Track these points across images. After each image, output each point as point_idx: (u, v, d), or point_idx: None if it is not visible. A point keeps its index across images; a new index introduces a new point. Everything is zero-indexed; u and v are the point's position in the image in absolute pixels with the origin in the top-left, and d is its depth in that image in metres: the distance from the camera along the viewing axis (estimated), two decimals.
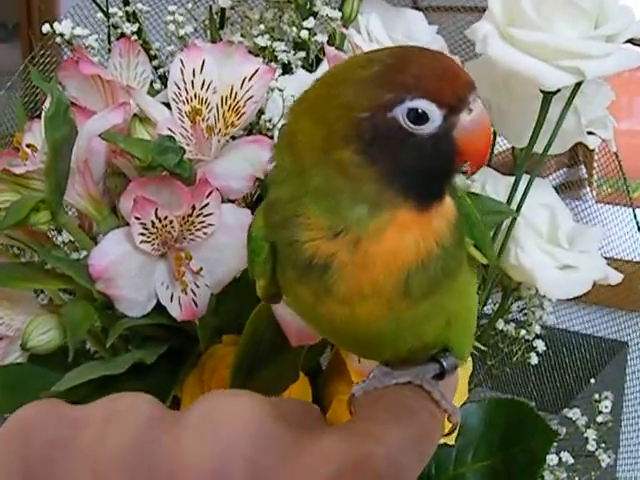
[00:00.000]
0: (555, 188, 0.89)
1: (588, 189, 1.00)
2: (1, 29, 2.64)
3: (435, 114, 0.30)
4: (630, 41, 0.50)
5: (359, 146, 0.30)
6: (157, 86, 0.63)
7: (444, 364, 0.36)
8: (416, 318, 0.33)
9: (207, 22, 0.62)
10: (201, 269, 0.48)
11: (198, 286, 0.48)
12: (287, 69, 0.59)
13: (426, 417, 0.33)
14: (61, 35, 0.60)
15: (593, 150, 0.87)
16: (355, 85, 0.31)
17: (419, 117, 0.30)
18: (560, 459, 0.63)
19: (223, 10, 0.62)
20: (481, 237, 0.36)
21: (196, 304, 0.48)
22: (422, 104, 0.30)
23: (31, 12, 2.35)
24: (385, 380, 0.35)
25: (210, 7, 0.61)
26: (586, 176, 1.00)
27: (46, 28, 0.60)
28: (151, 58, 0.64)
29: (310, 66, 0.59)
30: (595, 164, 0.98)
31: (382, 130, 0.30)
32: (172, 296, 0.48)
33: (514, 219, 0.55)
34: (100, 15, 0.64)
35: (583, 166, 0.99)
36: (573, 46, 0.47)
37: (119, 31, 0.63)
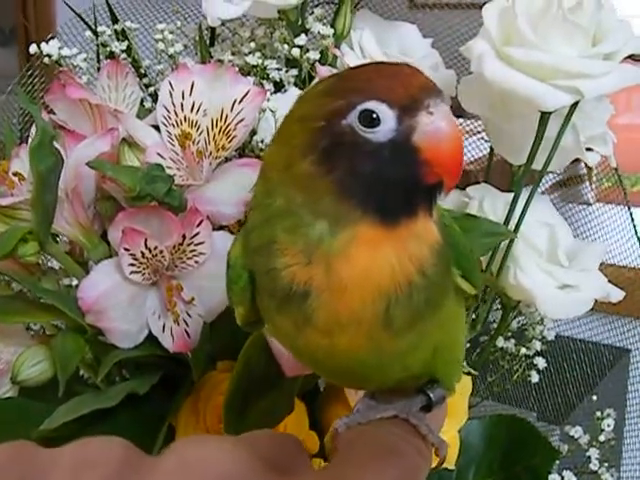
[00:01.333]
0: (554, 185, 0.89)
1: (587, 185, 0.99)
2: None
3: (387, 115, 0.29)
4: (631, 57, 0.49)
5: (317, 157, 0.29)
6: (148, 104, 0.61)
7: (431, 396, 0.35)
8: (399, 350, 0.32)
9: (197, 39, 0.61)
10: (193, 299, 0.47)
11: (190, 316, 0.47)
12: (279, 87, 0.58)
13: (411, 455, 0.32)
14: (48, 56, 0.59)
15: None
16: (311, 98, 0.31)
17: (371, 119, 0.29)
18: (562, 478, 0.62)
19: (213, 27, 0.61)
20: (469, 268, 0.35)
21: (188, 335, 0.47)
22: (371, 105, 0.29)
23: (28, 17, 2.34)
24: (369, 415, 0.34)
25: (199, 25, 0.60)
26: (585, 172, 0.99)
27: (33, 49, 0.59)
28: (141, 76, 0.63)
29: (303, 84, 0.58)
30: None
31: (339, 138, 0.29)
32: (164, 326, 0.47)
33: (512, 239, 0.54)
34: (89, 33, 0.63)
35: (583, 163, 0.97)
36: (571, 65, 0.46)
37: (108, 50, 0.62)
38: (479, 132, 0.79)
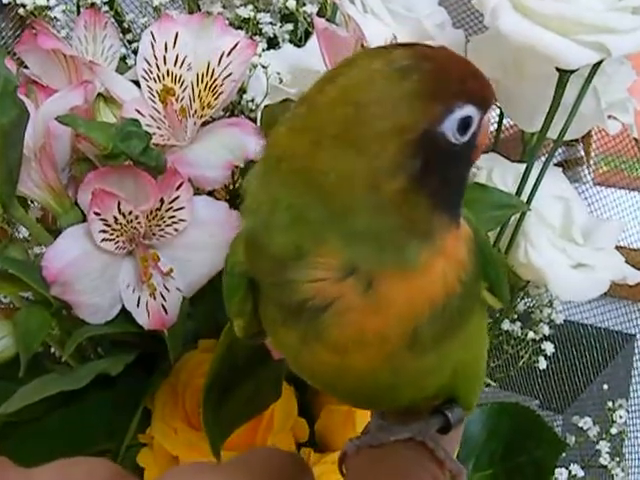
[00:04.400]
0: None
1: (585, 168, 0.96)
2: None
3: (476, 120, 0.26)
4: None
5: (411, 173, 0.25)
6: (131, 62, 0.57)
7: (449, 417, 0.31)
8: (418, 370, 0.28)
9: None
10: (171, 270, 0.43)
11: (168, 290, 0.43)
12: (273, 43, 0.53)
13: None
14: (22, 6, 0.54)
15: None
16: (397, 102, 0.25)
17: (466, 126, 0.25)
18: (570, 472, 0.58)
19: None
20: (496, 279, 0.30)
21: (166, 310, 0.43)
22: (470, 111, 0.25)
23: None
24: (381, 436, 0.31)
25: None
26: (583, 155, 0.96)
27: None
28: (124, 31, 0.59)
29: (299, 40, 0.54)
30: (592, 143, 0.93)
31: (434, 149, 0.25)
32: (139, 301, 0.43)
33: (524, 212, 0.50)
34: None
35: (581, 145, 0.94)
36: (596, 19, 0.42)
37: (89, 1, 0.57)
38: None
